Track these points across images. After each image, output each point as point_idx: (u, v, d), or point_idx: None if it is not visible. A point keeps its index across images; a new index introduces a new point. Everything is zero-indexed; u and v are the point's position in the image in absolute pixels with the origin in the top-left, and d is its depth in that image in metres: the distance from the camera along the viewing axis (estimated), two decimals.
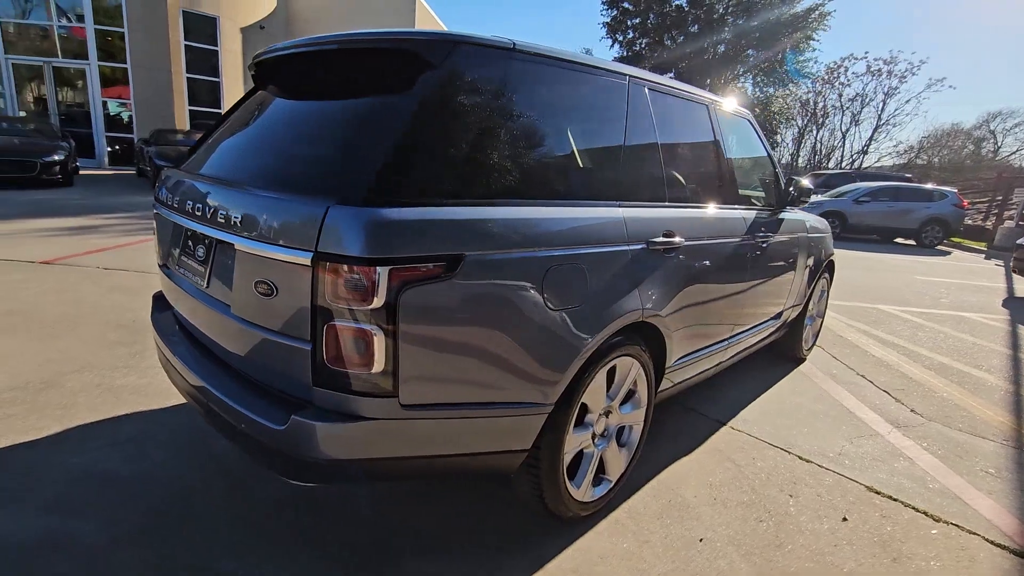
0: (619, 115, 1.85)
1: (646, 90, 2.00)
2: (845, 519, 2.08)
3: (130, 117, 14.41)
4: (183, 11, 14.52)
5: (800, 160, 34.13)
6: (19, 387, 2.57)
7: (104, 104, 14.05)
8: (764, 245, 2.69)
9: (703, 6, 22.78)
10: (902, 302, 6.11)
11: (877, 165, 31.53)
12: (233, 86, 16.18)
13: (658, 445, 2.52)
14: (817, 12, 21.73)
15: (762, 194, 2.92)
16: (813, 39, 22.75)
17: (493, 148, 1.47)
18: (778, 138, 26.02)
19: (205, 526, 1.75)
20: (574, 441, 1.76)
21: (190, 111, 15.34)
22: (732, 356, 2.79)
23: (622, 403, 2.00)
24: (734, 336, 2.66)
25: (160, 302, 2.07)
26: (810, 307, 3.69)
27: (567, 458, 1.74)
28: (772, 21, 21.38)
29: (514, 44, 1.53)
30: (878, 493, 2.27)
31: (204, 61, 15.34)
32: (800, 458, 2.51)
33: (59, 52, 13.65)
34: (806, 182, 2.94)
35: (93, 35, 13.56)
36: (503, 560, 1.71)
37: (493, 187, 1.44)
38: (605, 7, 24.75)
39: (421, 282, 1.26)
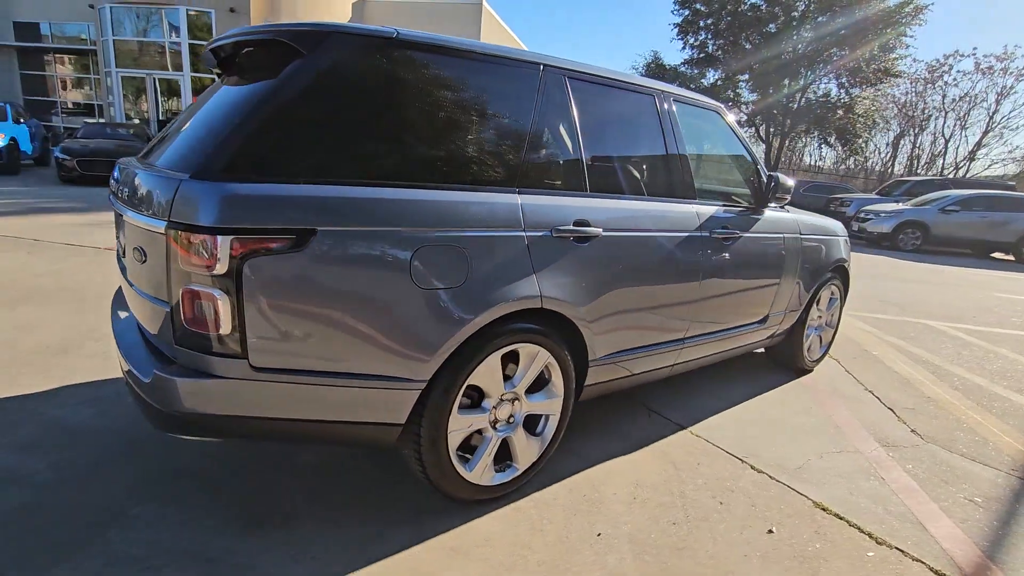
0: (525, 103, 1.87)
1: (565, 79, 1.99)
2: (771, 531, 1.95)
3: None
4: (266, 21, 15.76)
5: (896, 167, 31.43)
6: (40, 350, 2.94)
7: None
8: (728, 243, 2.57)
9: (781, 3, 21.62)
10: (958, 319, 5.51)
11: (985, 173, 28.45)
12: None
13: (601, 441, 2.48)
14: (912, 6, 19.99)
15: (734, 190, 2.78)
16: (907, 35, 20.95)
17: (365, 132, 1.54)
18: (861, 143, 24.11)
19: (136, 475, 1.94)
20: (462, 422, 1.78)
21: None
22: (694, 359, 2.68)
23: (532, 392, 2.00)
24: (692, 338, 2.56)
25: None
26: (813, 315, 3.45)
27: (454, 438, 1.77)
28: (859, 17, 19.91)
29: (397, 33, 1.60)
30: (824, 510, 2.10)
31: None
32: (752, 467, 2.37)
33: (167, 66, 15.31)
34: (787, 179, 2.77)
35: (187, 49, 15.06)
36: (386, 530, 1.77)
37: (360, 168, 1.52)
38: (677, 7, 24.15)
39: (268, 253, 1.36)
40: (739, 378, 3.42)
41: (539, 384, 2.02)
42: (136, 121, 15.10)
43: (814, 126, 23.40)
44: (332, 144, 1.49)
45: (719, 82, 24.34)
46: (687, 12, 23.79)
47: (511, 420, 1.96)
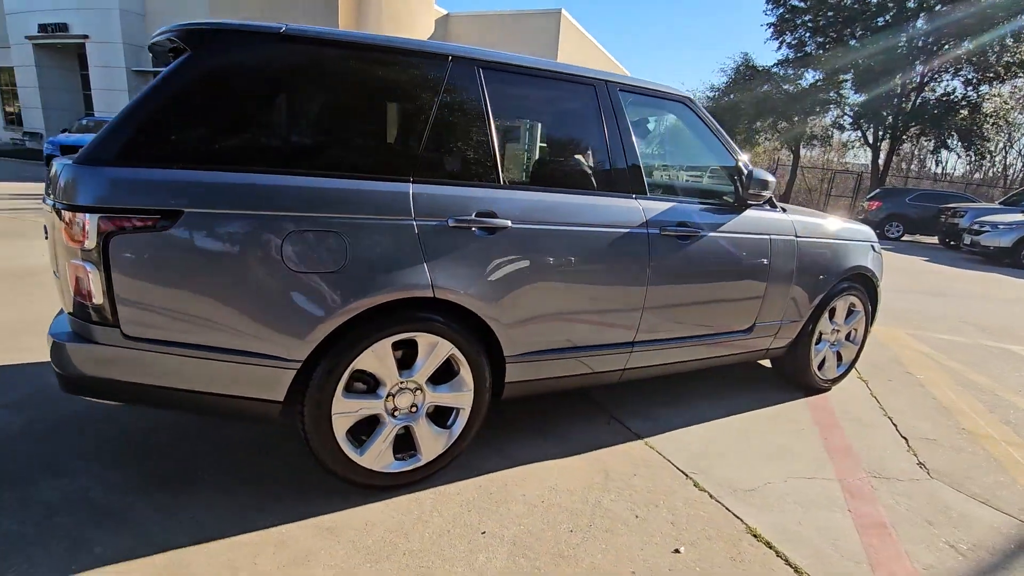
0: (426, 95, 1.88)
1: (478, 70, 1.98)
2: (677, 551, 1.79)
3: None
4: None
5: None
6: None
7: None
8: (688, 243, 2.39)
9: None
10: None
11: None
12: None
13: (537, 443, 2.40)
14: None
15: (705, 187, 2.59)
16: None
17: (244, 121, 1.64)
18: (990, 147, 21.18)
19: (89, 438, 2.18)
20: (350, 406, 1.82)
21: None
22: (654, 365, 2.52)
23: (439, 383, 1.99)
24: (645, 342, 2.41)
25: None
26: (825, 328, 3.10)
27: (340, 420, 1.81)
28: (986, 3, 17.57)
29: (284, 28, 1.69)
30: (755, 536, 1.89)
31: None
32: (696, 485, 2.19)
33: None
34: (764, 175, 2.53)
35: None
36: (272, 504, 1.84)
37: (239, 155, 1.61)
38: (769, 6, 22.75)
39: (133, 231, 1.49)
40: (736, 391, 3.16)
41: (447, 376, 2.01)
42: None
43: (930, 127, 20.92)
44: (210, 133, 1.60)
45: (819, 82, 22.56)
46: (781, 10, 22.33)
47: (414, 409, 1.96)
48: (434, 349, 1.92)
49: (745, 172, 2.53)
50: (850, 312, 3.25)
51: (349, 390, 1.83)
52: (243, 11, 16.48)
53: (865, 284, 3.22)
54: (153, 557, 1.57)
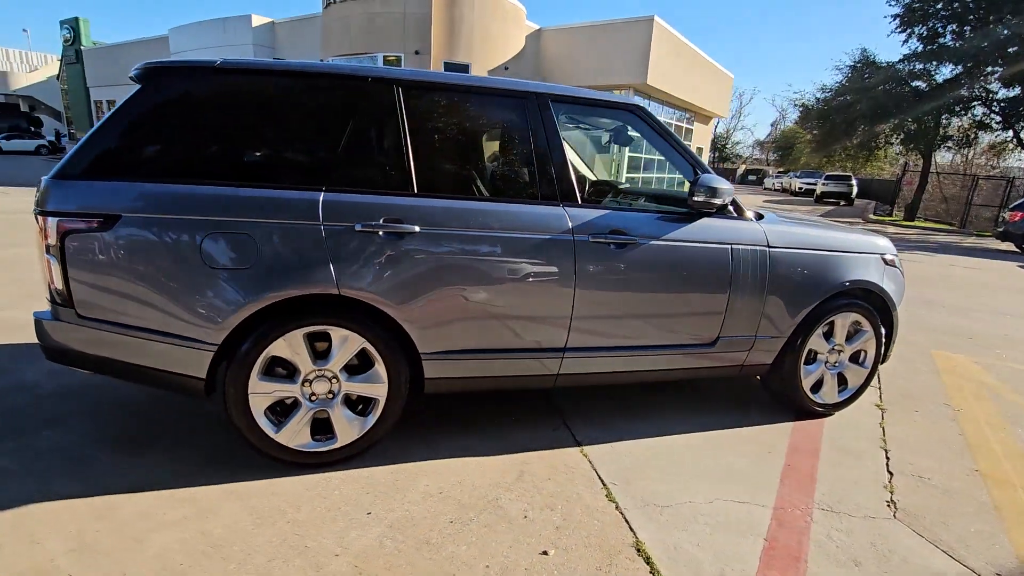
0: (343, 114, 2.09)
1: (397, 89, 2.15)
2: (546, 553, 1.81)
3: None
4: (444, 62, 17.96)
5: None
6: None
7: None
8: (624, 250, 2.36)
9: None
10: None
11: None
12: None
13: (472, 440, 2.50)
14: None
15: (657, 193, 2.54)
16: None
17: (178, 140, 1.96)
18: None
19: (93, 400, 2.64)
20: (265, 387, 2.06)
21: None
22: (596, 373, 2.50)
23: (354, 374, 2.18)
24: (579, 349, 2.41)
25: None
26: (820, 347, 2.85)
27: (257, 400, 2.05)
28: None
29: (219, 62, 1.99)
30: (639, 550, 1.85)
31: None
32: (608, 495, 2.16)
33: None
34: (715, 181, 2.41)
35: None
36: (204, 468, 2.13)
37: (170, 169, 1.93)
38: None
39: (84, 231, 1.85)
40: (718, 408, 3.01)
41: (364, 368, 2.19)
42: None
43: None
44: (153, 151, 1.94)
45: (958, 77, 19.88)
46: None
47: (331, 396, 2.17)
48: (345, 342, 2.11)
49: (693, 179, 2.45)
50: (855, 331, 2.95)
51: (268, 374, 2.07)
52: (350, 42, 18.17)
53: (872, 301, 2.91)
54: (93, 499, 1.91)
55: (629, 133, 2.92)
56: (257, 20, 23.12)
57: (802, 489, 2.28)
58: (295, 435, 2.14)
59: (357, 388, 2.19)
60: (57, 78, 38.73)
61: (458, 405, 2.83)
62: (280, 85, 2.07)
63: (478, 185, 2.28)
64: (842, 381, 3.02)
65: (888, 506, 2.20)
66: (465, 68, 18.23)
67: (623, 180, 24.03)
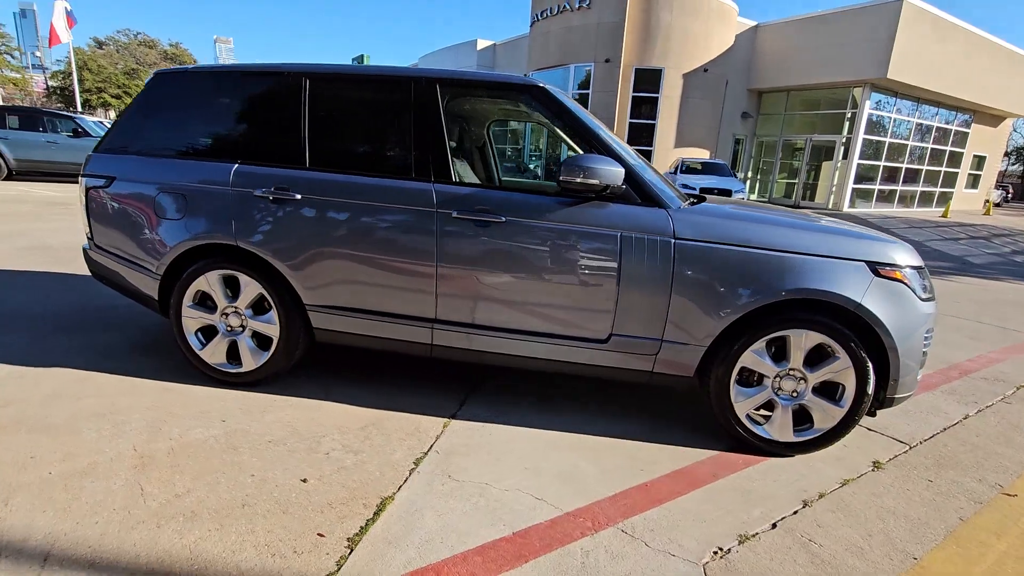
0: (259, 102, 2.59)
1: (305, 80, 2.56)
2: (305, 480, 2.03)
3: None
4: (635, 68, 17.74)
5: None
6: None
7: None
8: (489, 228, 2.37)
9: None
10: None
11: None
12: (667, 128, 18.39)
13: (362, 392, 2.78)
14: None
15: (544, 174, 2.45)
16: None
17: (156, 126, 2.71)
18: None
19: (122, 316, 3.67)
20: (192, 314, 2.69)
21: None
22: (466, 348, 2.55)
23: (258, 313, 2.68)
24: (449, 323, 2.51)
25: None
26: (762, 367, 2.37)
27: (188, 323, 2.70)
28: None
29: (189, 69, 2.69)
30: (382, 502, 1.93)
31: (646, 107, 18.21)
32: (417, 461, 2.24)
33: None
34: (593, 161, 2.22)
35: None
36: (175, 372, 2.86)
37: (149, 146, 2.70)
38: None
39: (96, 188, 2.72)
40: (637, 418, 2.72)
41: (266, 310, 2.67)
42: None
43: None
44: (143, 132, 2.73)
45: None
46: None
47: (240, 328, 2.71)
48: (248, 286, 2.63)
49: (572, 162, 2.30)
50: (822, 357, 2.36)
51: (200, 304, 2.71)
52: (548, 56, 19.31)
53: (846, 321, 2.29)
54: (108, 375, 2.78)
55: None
56: (482, 44, 26.09)
57: (627, 509, 2.00)
58: (214, 354, 2.73)
59: (258, 326, 2.68)
60: None
61: (391, 364, 3.13)
62: (218, 82, 2.69)
63: (363, 162, 2.56)
64: (804, 417, 2.43)
65: (718, 556, 1.80)
66: (657, 73, 17.78)
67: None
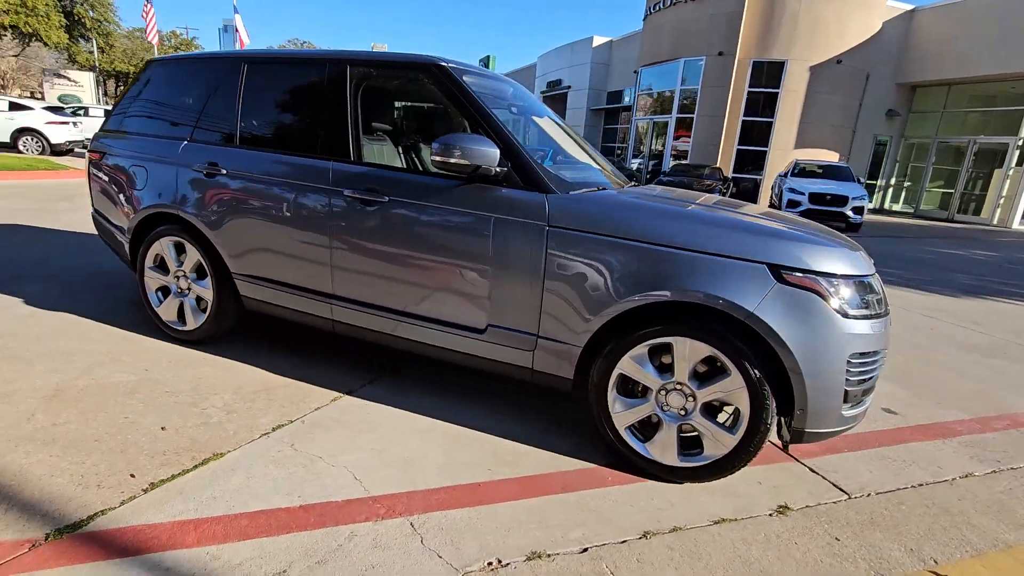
0: (206, 85, 2.84)
1: (244, 65, 2.76)
2: (164, 428, 2.21)
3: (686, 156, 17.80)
4: (752, 61, 16.23)
5: None
6: None
7: (673, 148, 18.07)
8: (373, 208, 2.38)
9: None
10: None
11: None
12: (787, 127, 16.60)
13: (282, 361, 2.94)
14: None
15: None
16: None
17: (139, 109, 3.09)
18: None
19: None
20: (153, 275, 3.03)
21: (738, 151, 17.10)
22: (362, 327, 2.57)
23: (200, 278, 2.94)
24: (346, 300, 2.55)
25: None
26: (644, 377, 2.10)
27: (149, 282, 3.06)
28: None
29: (166, 57, 3.04)
30: (211, 456, 2.04)
31: (763, 104, 16.60)
32: (276, 427, 2.32)
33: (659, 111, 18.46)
34: (455, 140, 2.11)
35: (678, 95, 17.60)
36: (106, 333, 3.27)
37: (129, 127, 3.10)
38: None
39: (96, 160, 3.19)
40: (528, 420, 2.55)
41: (205, 275, 2.94)
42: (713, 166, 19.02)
43: None
44: (133, 113, 3.14)
45: None
46: None
47: (186, 290, 3.00)
48: (191, 253, 2.90)
49: (444, 141, 2.19)
50: (713, 372, 2.03)
51: (157, 266, 3.05)
52: (659, 50, 18.46)
53: (745, 334, 1.94)
54: (100, 324, 3.27)
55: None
56: (597, 40, 25.71)
57: (437, 504, 1.90)
58: (167, 312, 3.06)
59: (199, 290, 2.95)
60: None
61: (330, 341, 3.26)
62: (179, 69, 3.00)
63: (282, 141, 2.69)
64: (694, 442, 2.11)
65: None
66: (778, 67, 16.19)
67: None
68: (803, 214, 12.50)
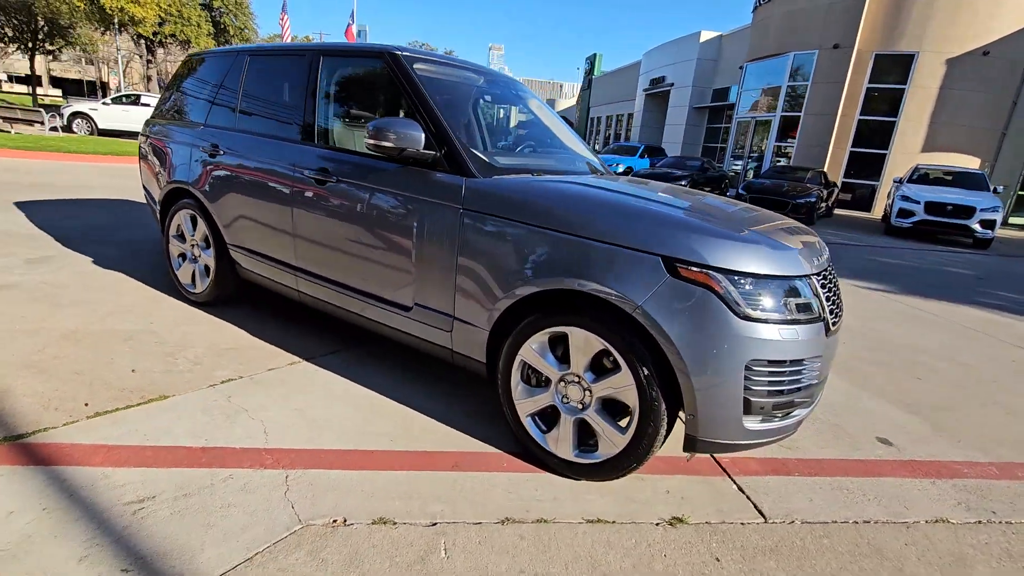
0: (216, 77, 3.19)
1: (246, 57, 3.05)
2: (134, 370, 2.54)
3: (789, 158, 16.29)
4: (875, 54, 14.49)
5: None
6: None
7: (776, 148, 16.62)
8: (325, 186, 2.55)
9: None
10: None
11: None
12: (913, 127, 14.63)
13: (269, 330, 3.22)
14: None
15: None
16: None
17: (176, 99, 3.54)
18: None
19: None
20: (174, 243, 3.47)
21: (852, 153, 15.38)
22: (319, 299, 2.75)
23: (206, 248, 3.32)
24: (305, 272, 2.76)
25: None
26: (542, 368, 2.05)
27: (172, 249, 3.50)
28: None
29: (201, 52, 3.44)
30: (159, 397, 2.33)
31: (885, 101, 14.76)
32: (225, 381, 2.57)
33: (774, 107, 17.02)
34: (385, 123, 2.18)
35: (784, 92, 16.16)
36: (141, 291, 3.74)
37: (169, 114, 3.55)
38: None
39: (145, 140, 3.71)
40: (460, 396, 2.59)
41: (209, 244, 3.30)
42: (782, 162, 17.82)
43: None
44: (167, 104, 3.60)
45: None
46: None
47: (197, 257, 3.39)
48: (199, 223, 3.28)
49: (373, 124, 2.25)
50: (605, 367, 1.95)
51: (177, 235, 3.48)
52: (767, 44, 17.15)
53: (630, 328, 1.84)
54: (142, 284, 3.81)
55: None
56: (705, 35, 24.44)
57: (320, 463, 2.01)
58: (184, 276, 3.49)
59: (205, 258, 3.33)
60: (577, 102, 51.19)
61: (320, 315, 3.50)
62: (209, 63, 3.38)
63: (267, 126, 2.93)
64: (589, 436, 2.03)
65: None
66: (906, 60, 14.37)
67: None
68: (918, 225, 11.02)
